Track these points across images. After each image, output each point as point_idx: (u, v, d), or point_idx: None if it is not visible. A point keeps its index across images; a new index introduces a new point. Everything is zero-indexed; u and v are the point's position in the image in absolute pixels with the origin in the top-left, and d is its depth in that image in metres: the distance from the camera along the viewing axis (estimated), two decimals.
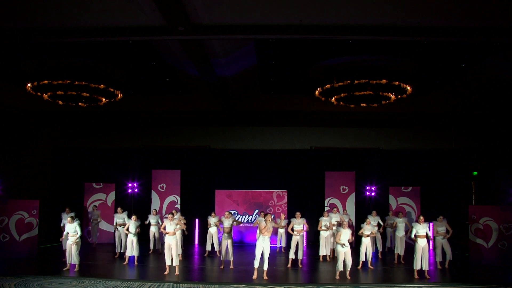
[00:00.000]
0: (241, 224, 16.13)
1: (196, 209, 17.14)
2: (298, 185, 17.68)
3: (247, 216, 16.51)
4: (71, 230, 11.05)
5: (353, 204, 16.69)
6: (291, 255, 11.97)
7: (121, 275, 10.87)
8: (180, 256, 12.65)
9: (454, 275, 11.16)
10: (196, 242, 16.63)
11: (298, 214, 12.13)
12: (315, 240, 14.99)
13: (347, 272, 10.35)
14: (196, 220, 16.73)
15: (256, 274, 10.23)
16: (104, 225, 16.50)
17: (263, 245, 10.08)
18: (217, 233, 13.64)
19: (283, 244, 14.78)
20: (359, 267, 11.62)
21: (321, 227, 13.03)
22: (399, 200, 16.60)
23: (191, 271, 11.72)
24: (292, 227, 11.96)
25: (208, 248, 13.83)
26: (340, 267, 10.33)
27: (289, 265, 11.85)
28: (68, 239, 11.05)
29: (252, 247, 11.51)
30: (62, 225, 13.11)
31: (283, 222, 13.58)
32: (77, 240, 11.05)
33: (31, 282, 9.52)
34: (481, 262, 12.66)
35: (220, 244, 12.79)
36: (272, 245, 11.75)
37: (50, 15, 8.93)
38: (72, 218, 11.26)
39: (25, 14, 8.88)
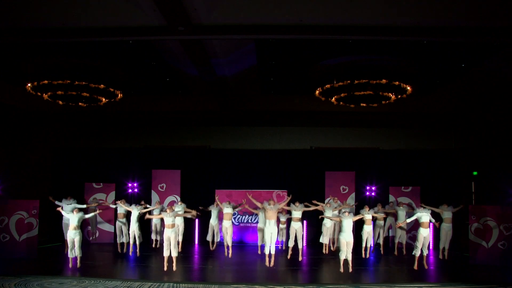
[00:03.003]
0: (241, 225, 16.19)
1: (196, 209, 17.08)
2: (298, 185, 17.63)
3: (247, 216, 16.51)
4: (75, 221, 11.07)
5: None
6: (290, 244, 12.07)
7: (121, 275, 10.88)
8: (179, 247, 12.72)
9: (454, 275, 11.17)
10: (196, 242, 16.63)
11: (297, 203, 12.31)
12: (315, 239, 14.98)
13: (350, 266, 10.38)
14: (196, 220, 16.71)
15: (268, 261, 10.80)
16: (104, 225, 16.49)
17: (271, 231, 10.97)
18: (218, 225, 13.71)
19: (283, 238, 14.80)
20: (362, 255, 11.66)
21: (322, 206, 13.02)
22: (399, 200, 16.56)
23: (191, 271, 11.73)
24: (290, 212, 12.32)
25: (209, 238, 13.83)
26: (343, 255, 10.40)
27: (289, 256, 11.85)
28: (69, 229, 11.12)
29: (252, 247, 11.56)
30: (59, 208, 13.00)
31: (285, 218, 13.69)
32: (79, 234, 11.14)
33: (31, 282, 9.52)
34: (481, 262, 12.66)
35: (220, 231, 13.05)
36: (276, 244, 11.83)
37: (50, 15, 8.93)
38: (78, 209, 11.37)
39: (25, 14, 8.88)
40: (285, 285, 9.87)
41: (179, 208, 13.09)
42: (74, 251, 11.12)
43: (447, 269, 11.74)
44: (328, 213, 13.02)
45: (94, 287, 9.26)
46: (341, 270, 10.33)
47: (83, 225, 13.12)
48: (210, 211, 13.71)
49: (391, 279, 10.76)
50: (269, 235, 11.04)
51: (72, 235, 11.10)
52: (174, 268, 10.67)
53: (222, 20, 8.97)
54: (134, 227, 12.40)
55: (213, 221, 13.73)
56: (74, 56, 11.51)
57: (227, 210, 12.32)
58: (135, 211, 12.57)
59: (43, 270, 11.12)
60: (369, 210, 12.16)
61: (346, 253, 10.42)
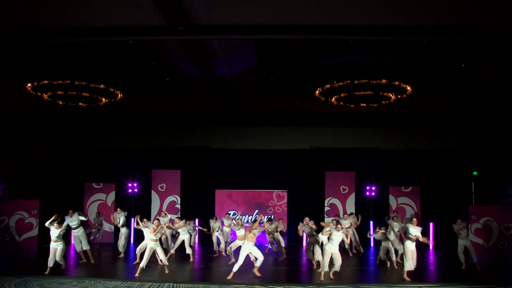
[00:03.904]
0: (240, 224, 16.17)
1: (196, 209, 17.13)
2: (298, 185, 17.68)
3: (247, 216, 16.51)
4: (55, 235, 10.87)
5: (353, 204, 16.70)
6: (309, 255, 11.81)
7: (121, 275, 10.87)
8: (191, 256, 12.74)
9: (454, 275, 11.17)
10: (197, 242, 16.61)
11: (306, 219, 12.02)
12: None
13: (331, 273, 10.30)
14: (196, 220, 16.69)
15: (232, 275, 10.15)
16: (104, 226, 16.48)
17: (249, 250, 10.38)
18: (221, 234, 13.76)
19: (283, 245, 14.73)
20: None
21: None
22: (399, 200, 16.60)
23: (191, 271, 11.72)
24: (302, 231, 11.95)
25: (216, 248, 13.86)
26: (325, 267, 10.24)
27: (315, 267, 11.62)
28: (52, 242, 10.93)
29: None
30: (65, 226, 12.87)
31: (281, 227, 13.63)
32: (62, 244, 10.95)
33: (31, 282, 9.53)
34: (481, 262, 12.65)
35: (219, 243, 12.93)
36: (266, 245, 11.76)
37: (50, 15, 8.93)
38: (59, 223, 11.11)
39: (25, 14, 8.88)
40: (285, 285, 9.87)
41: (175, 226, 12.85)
42: (55, 260, 10.89)
43: (447, 269, 11.74)
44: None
45: (94, 287, 9.27)
46: (322, 279, 10.20)
47: (84, 226, 13.06)
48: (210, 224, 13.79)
49: (391, 279, 10.76)
50: (244, 256, 10.35)
51: (55, 246, 10.84)
52: (166, 270, 10.72)
53: (222, 20, 8.96)
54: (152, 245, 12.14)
55: (216, 232, 13.72)
56: (74, 56, 11.51)
57: (228, 230, 12.11)
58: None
59: (43, 270, 11.11)
60: (380, 233, 11.75)
61: (326, 266, 10.22)
